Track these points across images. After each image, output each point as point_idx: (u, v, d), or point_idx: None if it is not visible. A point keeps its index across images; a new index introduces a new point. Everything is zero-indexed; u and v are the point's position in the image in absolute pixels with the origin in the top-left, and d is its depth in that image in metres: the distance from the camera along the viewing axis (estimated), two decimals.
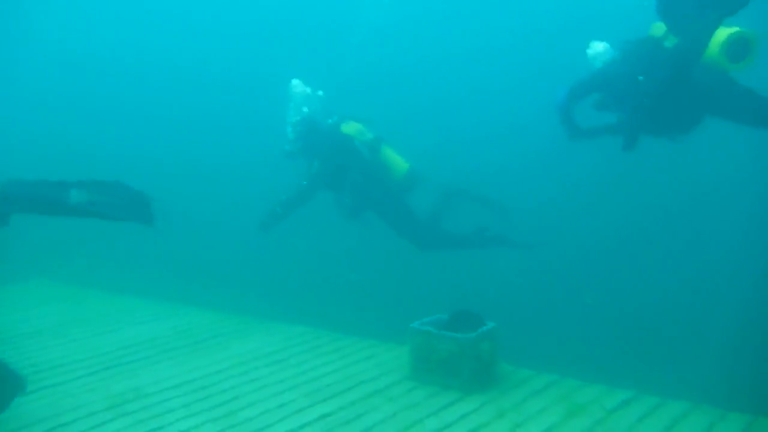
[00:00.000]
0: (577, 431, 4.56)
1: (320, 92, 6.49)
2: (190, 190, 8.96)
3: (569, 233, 7.73)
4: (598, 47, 5.35)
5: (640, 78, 4.90)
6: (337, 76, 7.29)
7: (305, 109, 6.38)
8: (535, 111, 5.82)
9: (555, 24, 8.61)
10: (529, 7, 9.09)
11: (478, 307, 5.71)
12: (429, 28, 9.72)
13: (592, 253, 7.78)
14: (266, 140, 7.01)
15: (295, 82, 6.51)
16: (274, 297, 7.65)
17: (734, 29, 4.57)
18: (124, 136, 10.22)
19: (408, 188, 6.37)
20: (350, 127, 6.32)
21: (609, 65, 5.21)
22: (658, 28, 5.03)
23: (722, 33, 4.57)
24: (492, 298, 6.94)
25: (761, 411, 4.76)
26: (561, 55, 6.19)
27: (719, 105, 4.87)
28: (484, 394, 5.16)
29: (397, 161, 6.33)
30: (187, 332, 6.83)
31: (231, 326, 7.02)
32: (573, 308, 7.37)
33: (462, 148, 8.59)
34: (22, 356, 5.92)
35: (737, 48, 4.60)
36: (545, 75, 5.98)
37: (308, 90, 6.48)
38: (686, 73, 4.74)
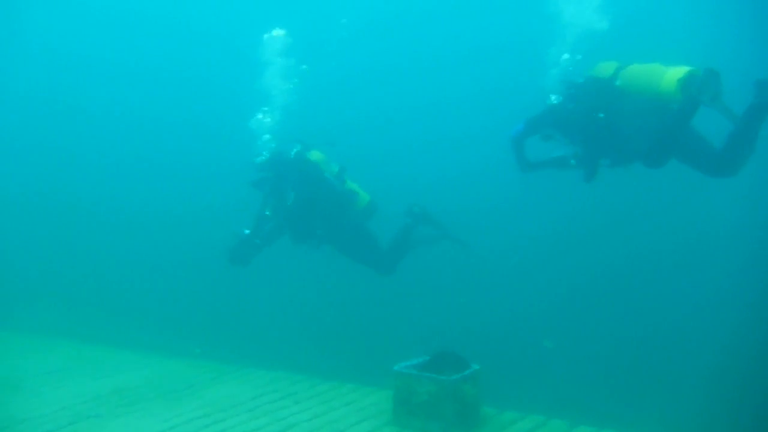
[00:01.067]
0: None
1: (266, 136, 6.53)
2: (157, 235, 8.80)
3: (554, 273, 7.66)
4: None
5: (601, 115, 5.03)
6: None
7: (267, 136, 6.39)
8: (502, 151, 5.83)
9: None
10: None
11: (461, 349, 5.54)
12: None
13: (577, 293, 7.70)
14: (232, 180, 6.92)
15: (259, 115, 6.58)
16: (249, 342, 7.43)
17: (687, 68, 4.68)
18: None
19: (368, 218, 6.51)
20: (315, 156, 6.35)
21: (562, 103, 5.37)
22: (605, 68, 5.18)
23: (678, 71, 4.68)
24: (475, 339, 6.79)
25: None
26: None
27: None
28: None
29: (360, 191, 6.47)
30: (158, 382, 6.54)
31: (204, 374, 6.75)
32: (557, 349, 7.24)
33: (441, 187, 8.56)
34: None
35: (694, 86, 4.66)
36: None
37: (268, 119, 6.52)
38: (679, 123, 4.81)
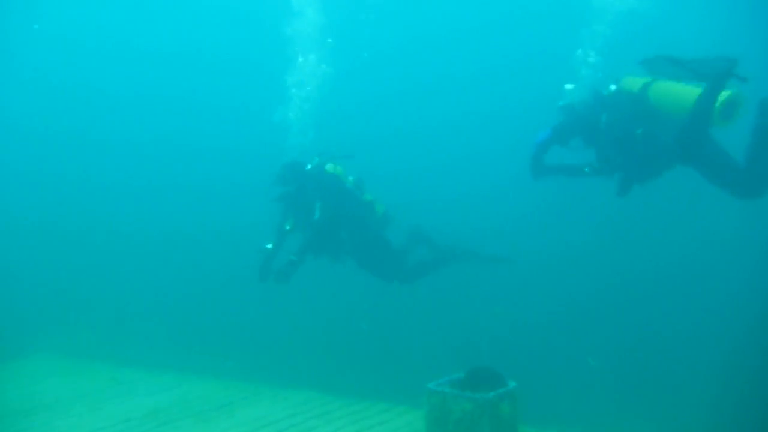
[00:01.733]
0: None
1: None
2: (188, 254, 8.85)
3: (598, 290, 7.47)
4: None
5: (639, 131, 4.99)
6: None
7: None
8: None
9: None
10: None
11: (497, 365, 5.36)
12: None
13: (616, 311, 7.50)
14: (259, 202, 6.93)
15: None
16: (282, 362, 7.36)
17: (728, 91, 4.67)
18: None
19: (384, 228, 6.46)
20: (333, 168, 6.32)
21: (591, 113, 5.26)
22: (633, 82, 5.13)
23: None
24: (511, 356, 6.60)
25: None
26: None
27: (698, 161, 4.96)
28: None
29: (376, 202, 6.44)
30: (191, 402, 6.52)
31: (237, 394, 6.71)
32: (601, 366, 7.00)
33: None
34: None
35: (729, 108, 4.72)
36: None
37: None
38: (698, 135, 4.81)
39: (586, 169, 5.29)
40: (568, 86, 5.44)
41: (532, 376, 5.70)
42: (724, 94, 4.64)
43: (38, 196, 10.17)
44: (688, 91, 4.78)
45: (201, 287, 8.71)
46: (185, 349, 7.79)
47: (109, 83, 11.11)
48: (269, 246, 6.22)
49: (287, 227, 6.18)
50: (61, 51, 11.16)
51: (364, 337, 7.56)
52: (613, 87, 5.22)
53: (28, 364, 8.24)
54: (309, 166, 6.28)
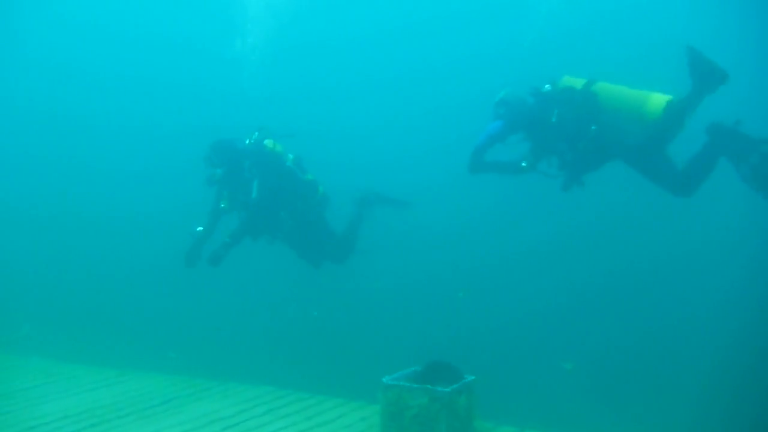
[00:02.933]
0: None
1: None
2: (127, 240, 8.45)
3: (550, 279, 7.41)
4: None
5: (593, 127, 5.11)
6: None
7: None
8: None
9: None
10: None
11: (454, 359, 5.24)
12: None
13: (575, 303, 7.45)
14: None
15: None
16: (231, 355, 7.08)
17: (668, 97, 4.95)
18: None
19: (323, 209, 6.30)
20: (273, 145, 6.06)
21: (541, 109, 5.34)
22: (574, 81, 5.30)
23: (661, 99, 4.95)
24: (468, 349, 6.50)
25: None
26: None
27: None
28: None
29: (316, 181, 6.25)
30: (134, 399, 6.18)
31: (184, 390, 6.40)
32: (556, 359, 6.95)
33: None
34: None
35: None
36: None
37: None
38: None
39: (523, 164, 5.40)
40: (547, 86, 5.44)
41: (492, 369, 5.61)
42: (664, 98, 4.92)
43: None
44: (640, 93, 5.05)
45: (141, 275, 8.32)
46: (127, 343, 7.43)
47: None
48: (200, 229, 5.92)
49: (222, 206, 5.88)
50: None
51: (317, 326, 7.35)
52: (548, 86, 5.35)
53: None
54: (247, 142, 5.99)
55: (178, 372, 6.89)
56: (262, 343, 7.48)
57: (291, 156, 6.17)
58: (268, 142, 6.03)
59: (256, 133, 6.06)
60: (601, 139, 5.09)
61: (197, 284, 6.81)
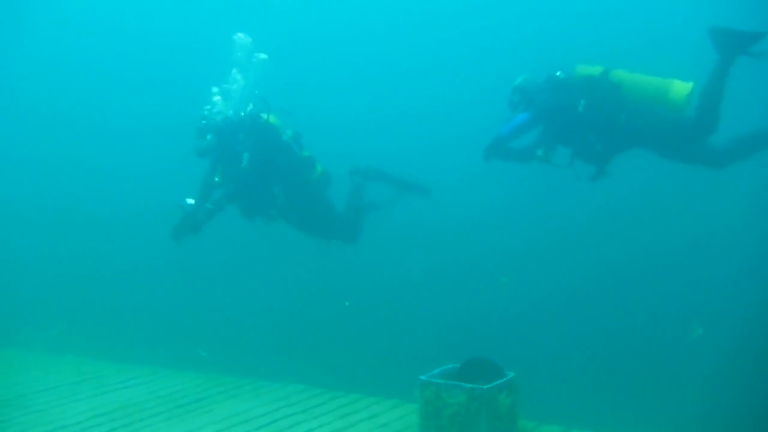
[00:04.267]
0: None
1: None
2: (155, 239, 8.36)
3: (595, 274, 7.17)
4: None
5: (623, 117, 5.04)
6: None
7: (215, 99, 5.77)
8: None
9: None
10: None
11: (494, 355, 5.00)
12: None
13: (618, 297, 7.21)
14: None
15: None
16: (263, 353, 6.94)
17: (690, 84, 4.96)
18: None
19: (323, 188, 6.07)
20: (269, 118, 5.81)
21: (567, 98, 5.21)
22: (591, 70, 5.22)
23: (683, 85, 4.95)
24: (509, 344, 6.25)
25: None
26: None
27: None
28: None
29: (314, 159, 6.01)
30: (166, 397, 6.08)
31: (216, 388, 6.28)
32: (603, 353, 6.68)
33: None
34: None
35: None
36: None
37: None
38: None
39: (539, 152, 5.28)
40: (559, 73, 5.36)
41: (534, 365, 5.37)
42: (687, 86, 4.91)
43: None
44: (661, 80, 5.01)
45: (171, 273, 8.23)
46: (158, 341, 7.34)
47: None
48: (190, 201, 5.64)
49: (216, 179, 5.63)
50: None
51: (351, 322, 7.15)
52: (560, 73, 5.27)
53: None
54: (242, 114, 5.75)
55: (209, 370, 6.78)
56: (294, 341, 7.35)
57: (289, 132, 5.92)
58: (264, 116, 5.80)
59: (251, 105, 5.82)
60: (630, 128, 4.99)
61: (228, 281, 6.69)
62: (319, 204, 5.95)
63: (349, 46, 9.74)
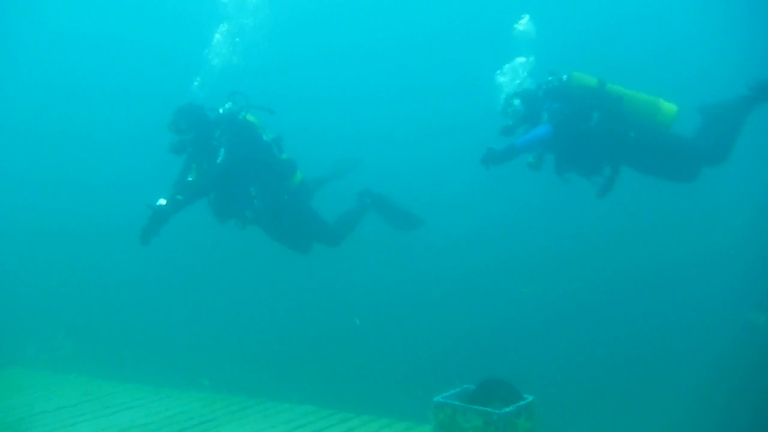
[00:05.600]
0: None
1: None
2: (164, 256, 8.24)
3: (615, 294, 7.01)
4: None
5: (632, 134, 5.03)
6: None
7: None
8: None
9: None
10: None
11: (511, 376, 4.79)
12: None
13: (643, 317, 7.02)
14: None
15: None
16: (272, 373, 6.75)
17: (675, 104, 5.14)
18: None
19: (304, 198, 5.88)
20: (249, 116, 5.60)
21: (579, 110, 5.12)
22: (587, 79, 5.18)
23: (671, 105, 5.11)
24: (527, 366, 6.04)
25: None
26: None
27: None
28: None
29: (294, 165, 5.81)
30: (172, 418, 5.89)
31: (222, 409, 6.09)
32: (628, 374, 6.47)
33: None
34: None
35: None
36: None
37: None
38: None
39: (530, 159, 5.23)
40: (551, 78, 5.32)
41: (554, 387, 5.15)
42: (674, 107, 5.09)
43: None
44: (652, 98, 5.11)
45: (178, 293, 8.09)
46: (163, 361, 7.18)
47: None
48: (162, 202, 5.29)
49: (190, 179, 5.37)
50: None
51: (361, 341, 6.96)
52: (551, 78, 5.21)
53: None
54: (221, 111, 5.54)
55: (216, 390, 6.61)
56: (302, 360, 7.16)
57: (271, 134, 5.72)
58: (243, 114, 5.61)
59: (230, 103, 5.61)
60: (637, 145, 4.99)
61: (237, 300, 6.53)
62: (295, 212, 5.71)
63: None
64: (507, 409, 4.40)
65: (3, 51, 10.38)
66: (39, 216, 9.29)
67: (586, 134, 5.04)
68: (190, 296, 8.15)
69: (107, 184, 9.59)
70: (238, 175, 5.39)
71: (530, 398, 4.60)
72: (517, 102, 5.30)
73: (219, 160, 5.27)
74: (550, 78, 5.22)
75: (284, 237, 5.73)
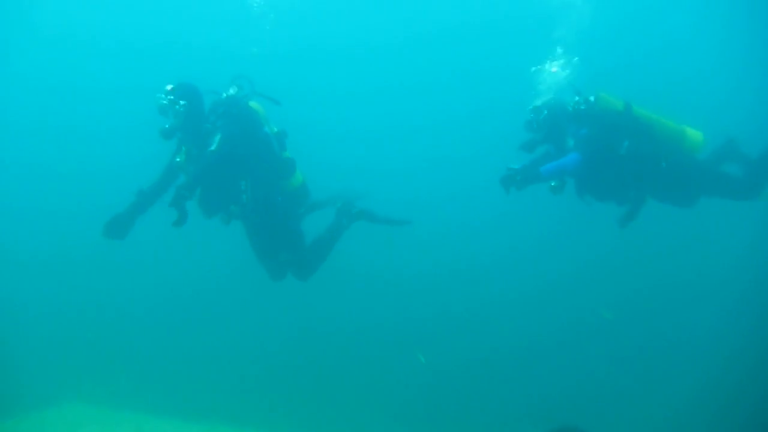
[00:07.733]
0: None
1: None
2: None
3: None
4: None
5: (663, 164, 4.92)
6: None
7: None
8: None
9: None
10: None
11: (585, 422, 4.39)
12: None
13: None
14: None
15: None
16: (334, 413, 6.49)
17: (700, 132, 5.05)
18: None
19: (298, 203, 5.31)
20: (252, 104, 5.11)
21: (606, 141, 4.97)
22: (614, 102, 4.99)
23: (697, 133, 5.01)
24: (595, 409, 5.58)
25: None
26: None
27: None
28: None
29: (296, 165, 5.26)
30: None
31: None
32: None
33: None
34: None
35: None
36: None
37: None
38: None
39: (553, 183, 5.06)
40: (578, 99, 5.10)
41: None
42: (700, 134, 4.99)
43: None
44: (677, 126, 4.98)
45: (235, 330, 7.97)
46: (217, 395, 7.00)
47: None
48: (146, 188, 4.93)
49: (178, 159, 4.89)
50: None
51: (425, 380, 6.60)
52: (577, 99, 5.01)
53: (58, 413, 7.55)
54: (224, 96, 5.04)
55: (270, 429, 6.36)
56: (361, 399, 6.84)
57: (275, 128, 5.23)
58: (252, 102, 5.18)
59: (234, 88, 5.14)
60: (668, 175, 4.88)
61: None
62: (283, 217, 5.20)
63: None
64: None
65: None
66: (92, 252, 9.30)
67: (615, 163, 4.89)
68: (243, 338, 8.00)
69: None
70: (230, 164, 4.93)
71: None
72: (545, 113, 5.07)
73: (213, 147, 4.82)
74: (576, 98, 5.00)
75: (265, 242, 5.21)
